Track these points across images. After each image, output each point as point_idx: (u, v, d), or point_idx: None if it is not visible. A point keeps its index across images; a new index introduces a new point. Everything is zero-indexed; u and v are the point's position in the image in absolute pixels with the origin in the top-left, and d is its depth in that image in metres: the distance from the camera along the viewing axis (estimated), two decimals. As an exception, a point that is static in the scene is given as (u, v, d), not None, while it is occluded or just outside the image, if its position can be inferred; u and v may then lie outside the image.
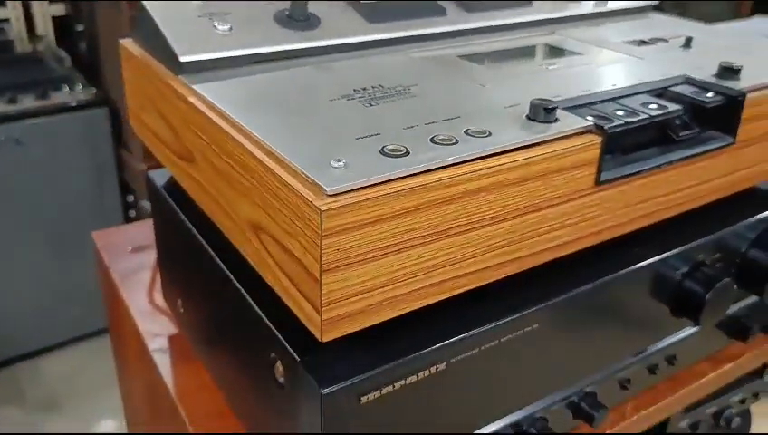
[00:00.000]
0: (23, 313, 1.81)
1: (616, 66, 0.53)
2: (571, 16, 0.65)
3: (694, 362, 0.62)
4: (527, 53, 0.57)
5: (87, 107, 1.78)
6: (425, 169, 0.35)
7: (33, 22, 1.95)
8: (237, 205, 0.41)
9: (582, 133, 0.41)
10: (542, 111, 0.41)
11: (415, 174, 0.35)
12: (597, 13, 0.67)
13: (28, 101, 1.73)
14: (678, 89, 0.49)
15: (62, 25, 2.00)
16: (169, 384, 0.60)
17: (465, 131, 0.39)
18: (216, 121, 0.41)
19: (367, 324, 0.36)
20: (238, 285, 0.45)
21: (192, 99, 0.44)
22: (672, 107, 0.45)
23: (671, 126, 0.47)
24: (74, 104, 1.76)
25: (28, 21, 1.96)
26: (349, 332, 0.36)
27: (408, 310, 0.38)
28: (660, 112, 0.44)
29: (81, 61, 1.97)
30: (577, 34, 0.61)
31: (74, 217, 1.81)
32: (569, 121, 0.41)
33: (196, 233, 0.50)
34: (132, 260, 0.76)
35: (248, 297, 0.44)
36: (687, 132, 0.47)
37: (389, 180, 0.34)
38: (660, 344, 0.57)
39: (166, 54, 0.48)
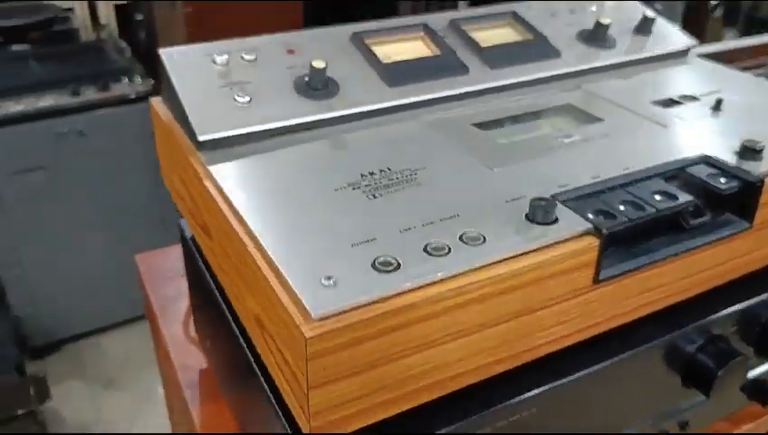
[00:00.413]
0: (86, 294, 1.91)
1: (635, 137, 0.52)
2: (602, 67, 0.64)
3: (708, 426, 0.61)
4: (545, 118, 0.57)
5: (146, 99, 1.82)
6: (412, 288, 0.36)
7: (96, 11, 2.01)
8: (244, 295, 0.43)
9: (581, 236, 0.41)
10: (541, 213, 0.41)
11: (403, 293, 0.36)
12: (631, 61, 0.65)
13: (90, 93, 1.79)
14: (694, 170, 0.48)
15: (122, 14, 2.06)
16: (196, 420, 0.63)
17: (461, 237, 0.40)
18: (226, 215, 0.43)
19: (357, 427, 0.38)
20: (249, 355, 0.47)
21: (207, 182, 0.46)
22: (682, 198, 0.45)
23: (682, 214, 0.46)
24: (134, 96, 1.82)
25: (91, 9, 2.02)
26: (339, 432, 0.38)
27: (401, 410, 0.39)
28: (667, 206, 0.44)
29: (141, 51, 2.02)
30: (604, 90, 0.60)
31: (135, 205, 1.88)
32: (568, 223, 0.41)
33: (218, 296, 0.53)
34: (172, 287, 0.79)
35: (257, 370, 0.46)
36: (699, 220, 0.46)
37: (377, 301, 0.35)
38: (672, 409, 0.56)
39: (187, 127, 0.50)
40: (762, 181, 0.47)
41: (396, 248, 0.39)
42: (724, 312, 0.53)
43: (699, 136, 0.53)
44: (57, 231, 1.82)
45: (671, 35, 0.69)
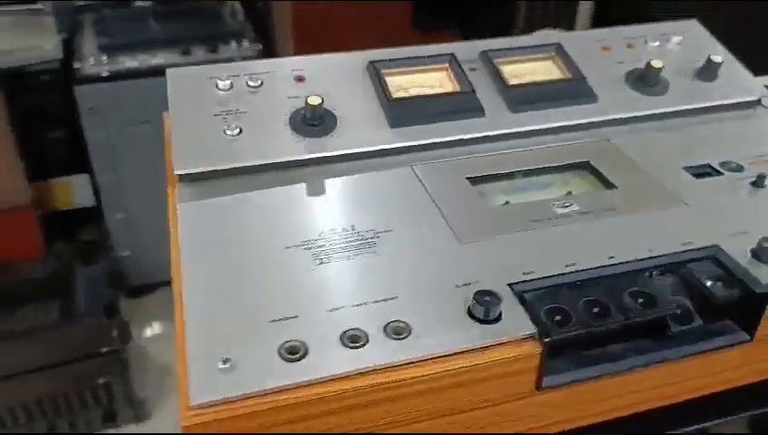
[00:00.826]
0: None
1: (644, 216, 0.47)
2: (643, 116, 0.58)
3: None
4: (553, 175, 0.52)
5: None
6: (307, 383, 0.34)
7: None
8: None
9: (522, 341, 0.37)
10: (482, 310, 0.38)
11: (295, 388, 0.34)
12: (679, 111, 0.58)
13: (199, 54, 1.85)
14: (695, 267, 0.43)
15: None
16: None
17: (386, 326, 0.37)
18: (173, 260, 0.42)
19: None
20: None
21: (171, 220, 0.46)
22: (661, 305, 0.40)
23: (663, 320, 0.41)
24: (239, 60, 1.86)
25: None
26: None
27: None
28: (638, 314, 0.39)
29: (255, 13, 2.06)
30: (635, 147, 0.54)
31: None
32: (511, 323, 0.38)
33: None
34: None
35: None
36: (687, 327, 0.41)
37: (267, 394, 0.34)
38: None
39: (172, 153, 0.50)
40: (764, 294, 0.41)
41: (312, 332, 0.37)
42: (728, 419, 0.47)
43: (723, 221, 0.46)
44: (161, 181, 1.92)
45: (740, 82, 0.61)
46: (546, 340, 0.37)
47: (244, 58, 1.86)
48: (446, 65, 0.58)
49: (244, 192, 0.48)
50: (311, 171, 0.50)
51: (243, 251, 0.43)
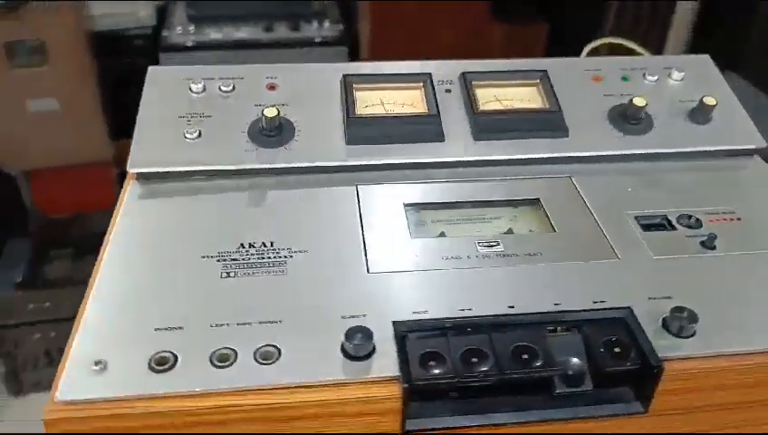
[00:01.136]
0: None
1: (566, 266, 0.46)
2: (614, 156, 0.55)
3: None
4: (497, 209, 0.51)
5: (329, 44, 1.90)
6: (164, 396, 0.37)
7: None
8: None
9: (386, 381, 0.38)
10: (351, 347, 0.39)
11: (153, 398, 0.37)
12: (656, 154, 0.56)
13: (281, 31, 1.90)
14: (598, 328, 0.42)
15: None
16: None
17: (257, 350, 0.39)
18: (99, 257, 0.45)
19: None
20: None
21: (114, 215, 0.49)
22: (548, 364, 0.39)
23: (546, 379, 0.40)
24: (318, 40, 1.89)
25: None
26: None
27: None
28: (512, 369, 0.39)
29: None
30: (593, 188, 0.53)
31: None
32: (380, 363, 0.39)
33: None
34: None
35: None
36: (575, 389, 0.40)
37: (123, 400, 0.36)
38: None
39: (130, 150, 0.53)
40: (659, 368, 0.39)
41: (188, 345, 0.39)
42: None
43: (650, 281, 0.45)
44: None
45: (736, 128, 0.58)
46: (405, 385, 0.37)
47: (324, 38, 1.89)
48: (421, 84, 0.58)
49: (188, 196, 0.51)
50: (259, 181, 0.52)
51: (162, 256, 0.45)
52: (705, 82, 0.61)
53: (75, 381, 0.37)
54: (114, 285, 0.43)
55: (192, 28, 1.87)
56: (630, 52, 1.15)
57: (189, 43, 1.85)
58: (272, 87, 0.57)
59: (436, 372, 0.38)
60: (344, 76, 0.57)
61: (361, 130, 0.54)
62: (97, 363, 0.38)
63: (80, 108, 1.73)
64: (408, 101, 0.57)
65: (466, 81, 0.58)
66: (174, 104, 0.55)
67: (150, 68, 0.58)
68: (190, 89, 0.56)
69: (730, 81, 0.61)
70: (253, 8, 1.93)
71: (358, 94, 0.57)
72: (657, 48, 2.14)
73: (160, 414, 0.36)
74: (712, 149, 0.56)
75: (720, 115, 0.58)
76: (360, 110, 0.56)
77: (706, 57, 0.63)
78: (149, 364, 0.38)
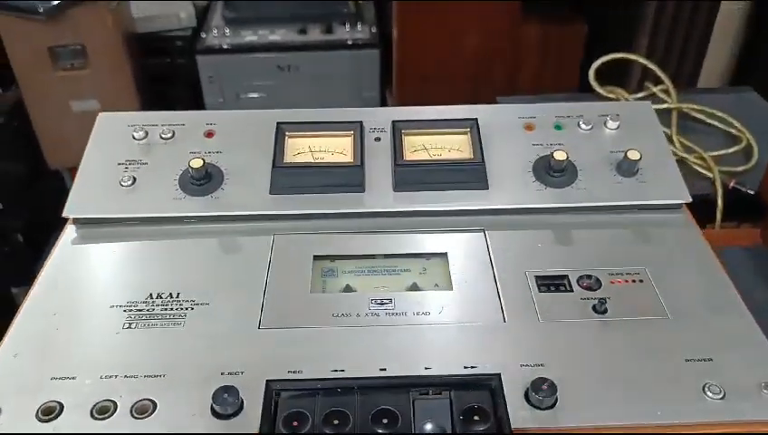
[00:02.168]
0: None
1: (451, 326, 0.47)
2: (534, 209, 0.56)
3: None
4: (404, 263, 0.53)
5: (361, 47, 1.92)
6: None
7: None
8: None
9: (245, 440, 0.41)
10: (219, 405, 0.42)
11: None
12: (577, 208, 0.56)
13: (315, 34, 1.93)
14: (464, 395, 0.43)
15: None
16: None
17: (135, 403, 0.42)
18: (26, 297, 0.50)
19: None
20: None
21: (49, 259, 0.54)
22: (405, 429, 0.41)
23: None
24: (350, 42, 1.92)
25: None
26: None
27: None
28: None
29: (378, -3, 2.09)
30: (502, 243, 0.54)
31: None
32: (240, 423, 0.42)
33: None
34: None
35: None
36: (431, 451, 0.42)
37: (7, 447, 0.41)
38: None
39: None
40: (508, 440, 0.41)
41: (76, 395, 0.43)
42: None
43: (528, 346, 0.46)
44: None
45: (664, 183, 0.57)
46: (259, 445, 0.40)
47: (355, 41, 1.91)
48: (352, 132, 0.60)
49: (117, 242, 0.55)
50: (184, 230, 0.56)
51: (77, 303, 0.49)
52: (640, 131, 0.60)
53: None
54: (28, 330, 0.47)
55: (228, 31, 1.92)
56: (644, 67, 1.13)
57: (225, 46, 1.91)
58: (210, 134, 0.60)
59: (297, 432, 0.41)
60: (278, 124, 0.60)
61: (285, 179, 0.57)
62: (-9, 410, 0.42)
63: (120, 108, 1.82)
64: (338, 149, 0.59)
65: (395, 129, 0.60)
66: (115, 151, 0.59)
67: (100, 115, 0.62)
68: (133, 136, 0.60)
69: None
70: (288, 10, 1.96)
71: (289, 142, 0.59)
72: (698, 52, 2.07)
73: (39, 464, 0.40)
74: (634, 203, 0.56)
75: (648, 168, 0.58)
76: (289, 157, 0.58)
77: (648, 104, 0.63)
78: (37, 413, 0.42)
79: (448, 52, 1.90)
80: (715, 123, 1.12)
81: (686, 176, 1.02)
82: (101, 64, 1.78)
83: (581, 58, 1.98)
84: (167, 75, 1.99)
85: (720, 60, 2.14)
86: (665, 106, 1.14)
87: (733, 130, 1.10)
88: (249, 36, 1.92)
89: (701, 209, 0.99)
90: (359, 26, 1.95)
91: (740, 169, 1.02)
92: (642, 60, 1.19)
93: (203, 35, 1.92)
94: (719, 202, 0.98)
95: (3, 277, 1.62)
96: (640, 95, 1.17)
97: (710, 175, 1.01)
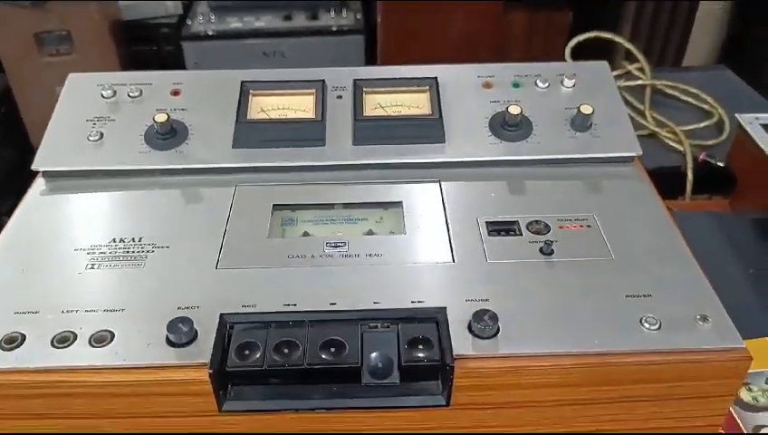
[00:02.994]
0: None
1: (401, 266, 0.49)
2: (488, 162, 0.58)
3: None
4: (361, 211, 0.55)
5: (346, 33, 1.94)
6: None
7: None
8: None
9: (198, 366, 0.43)
10: (173, 334, 0.43)
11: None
12: (529, 160, 0.58)
13: (300, 20, 1.95)
14: (410, 327, 0.45)
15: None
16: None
17: (95, 333, 0.44)
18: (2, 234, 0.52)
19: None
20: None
21: (18, 208, 0.55)
22: (351, 357, 0.43)
23: (355, 370, 0.44)
24: (335, 28, 1.94)
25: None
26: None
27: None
28: (319, 361, 0.43)
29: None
30: (456, 193, 0.56)
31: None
32: (193, 351, 0.43)
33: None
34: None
35: None
36: (381, 381, 0.44)
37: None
38: None
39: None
40: (451, 365, 0.42)
41: (38, 327, 0.45)
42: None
43: (472, 284, 0.48)
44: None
45: (616, 137, 0.59)
46: (210, 370, 0.42)
47: (340, 27, 1.93)
48: (314, 90, 0.62)
49: (83, 193, 0.56)
50: (148, 181, 0.57)
51: (43, 248, 0.51)
52: (596, 89, 0.62)
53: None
54: (-2, 267, 0.49)
55: (214, 17, 1.94)
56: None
57: (210, 32, 1.92)
58: (176, 93, 0.62)
59: (248, 360, 0.43)
60: (242, 82, 0.62)
61: (248, 133, 0.58)
62: (-43, 338, 0.44)
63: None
64: (301, 107, 0.61)
65: (357, 87, 0.61)
66: (84, 109, 0.61)
67: (71, 75, 0.63)
68: (102, 94, 0.62)
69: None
70: (274, -3, 1.98)
71: (254, 100, 0.61)
72: (681, 38, 2.09)
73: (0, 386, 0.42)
74: (586, 156, 0.58)
75: (602, 123, 0.60)
76: (253, 114, 0.60)
77: (604, 64, 0.65)
78: (0, 343, 0.44)
79: (433, 38, 1.92)
80: (689, 99, 1.15)
81: (659, 149, 1.05)
82: (87, 50, 1.79)
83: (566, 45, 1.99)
84: (153, 62, 2.01)
85: (704, 45, 2.17)
86: (639, 82, 1.17)
87: (705, 106, 1.12)
88: (235, 23, 1.94)
89: (672, 181, 1.01)
90: (344, 12, 1.96)
91: (711, 142, 1.04)
92: (618, 38, 1.21)
93: (189, 22, 1.93)
94: (689, 174, 1.00)
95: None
96: (616, 73, 1.19)
97: (681, 148, 1.03)
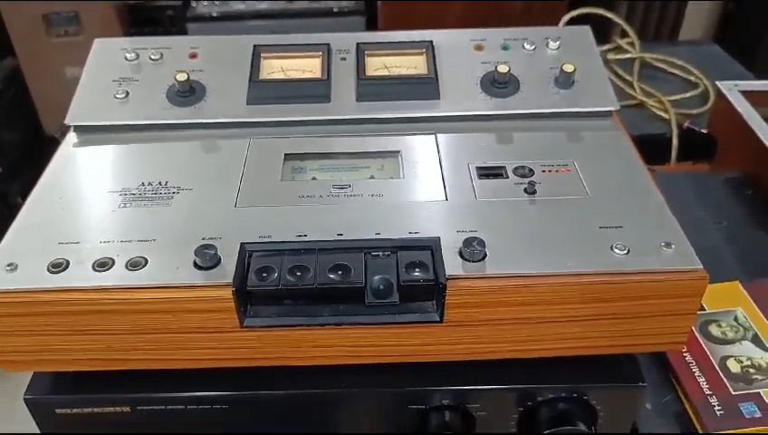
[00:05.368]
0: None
1: (399, 203, 0.55)
2: (479, 116, 0.64)
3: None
4: (362, 160, 0.61)
5: (347, 14, 1.99)
6: (60, 289, 0.48)
7: None
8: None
9: (223, 287, 0.49)
10: (200, 259, 0.49)
11: (52, 291, 0.48)
12: (516, 114, 0.64)
13: (302, 2, 2.00)
14: (408, 254, 0.51)
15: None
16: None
17: (131, 259, 0.50)
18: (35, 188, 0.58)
19: (38, 370, 0.53)
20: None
21: (53, 158, 0.61)
22: (351, 278, 0.49)
23: (359, 290, 0.50)
24: (336, 10, 1.99)
25: None
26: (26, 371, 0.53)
27: (68, 368, 0.53)
28: (327, 282, 0.49)
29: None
30: (449, 144, 0.62)
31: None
32: (218, 273, 0.49)
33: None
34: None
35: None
36: (382, 301, 0.50)
37: (31, 292, 0.48)
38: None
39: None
40: (443, 284, 0.49)
41: (80, 254, 0.51)
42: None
43: (463, 218, 0.54)
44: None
45: (595, 93, 0.65)
46: (233, 289, 0.48)
47: (341, 9, 1.97)
48: (320, 53, 0.68)
49: (112, 145, 0.62)
50: (171, 135, 0.63)
51: (78, 191, 0.57)
52: (578, 51, 0.68)
53: (-9, 275, 0.49)
54: (36, 208, 0.55)
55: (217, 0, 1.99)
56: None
57: (214, 14, 1.97)
58: (193, 56, 0.68)
59: (266, 281, 0.49)
60: (254, 46, 0.68)
61: (260, 91, 0.64)
62: (9, 265, 0.50)
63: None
64: (308, 68, 0.67)
65: (359, 50, 0.67)
66: (110, 70, 0.67)
67: (96, 40, 0.69)
68: (125, 57, 0.68)
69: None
70: (279, -23, 2.02)
71: (264, 62, 0.67)
72: (675, 18, 2.14)
73: (49, 303, 0.48)
74: (568, 110, 0.64)
75: (583, 81, 0.65)
76: (264, 75, 0.66)
77: (587, 28, 0.71)
78: (48, 268, 0.50)
79: (433, 21, 1.97)
80: (676, 72, 1.20)
81: (646, 118, 1.10)
82: (95, 31, 1.84)
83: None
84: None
85: (698, 23, 2.22)
86: (628, 56, 1.22)
87: (692, 78, 1.18)
88: (238, 5, 1.99)
89: (658, 148, 1.07)
90: (346, -8, 2.01)
91: (696, 111, 1.10)
92: (608, 14, 1.27)
93: (193, 4, 1.99)
94: (674, 140, 1.05)
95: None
96: (608, 46, 1.25)
97: (667, 116, 1.08)
